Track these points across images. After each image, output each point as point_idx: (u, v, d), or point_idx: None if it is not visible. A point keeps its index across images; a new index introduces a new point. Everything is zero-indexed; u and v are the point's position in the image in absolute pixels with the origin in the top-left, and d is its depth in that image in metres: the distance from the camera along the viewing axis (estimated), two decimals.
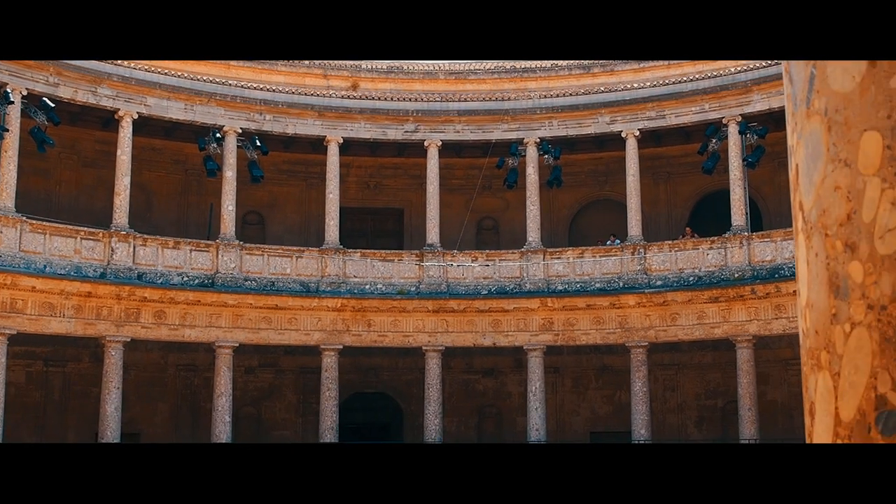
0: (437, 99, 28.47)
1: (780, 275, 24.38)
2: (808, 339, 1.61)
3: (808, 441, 1.61)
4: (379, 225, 30.51)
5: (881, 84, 1.43)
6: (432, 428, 25.80)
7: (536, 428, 25.79)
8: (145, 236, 25.15)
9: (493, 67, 29.96)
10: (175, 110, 26.05)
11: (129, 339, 24.30)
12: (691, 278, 25.81)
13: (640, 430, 25.29)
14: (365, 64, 29.39)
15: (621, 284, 26.24)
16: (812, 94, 1.60)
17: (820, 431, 1.56)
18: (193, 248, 25.74)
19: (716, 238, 25.85)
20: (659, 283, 26.02)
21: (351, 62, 28.64)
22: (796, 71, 1.65)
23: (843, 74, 1.50)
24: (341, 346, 26.06)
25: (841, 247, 1.49)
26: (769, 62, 23.12)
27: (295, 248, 26.87)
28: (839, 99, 1.51)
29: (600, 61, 28.42)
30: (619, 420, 27.17)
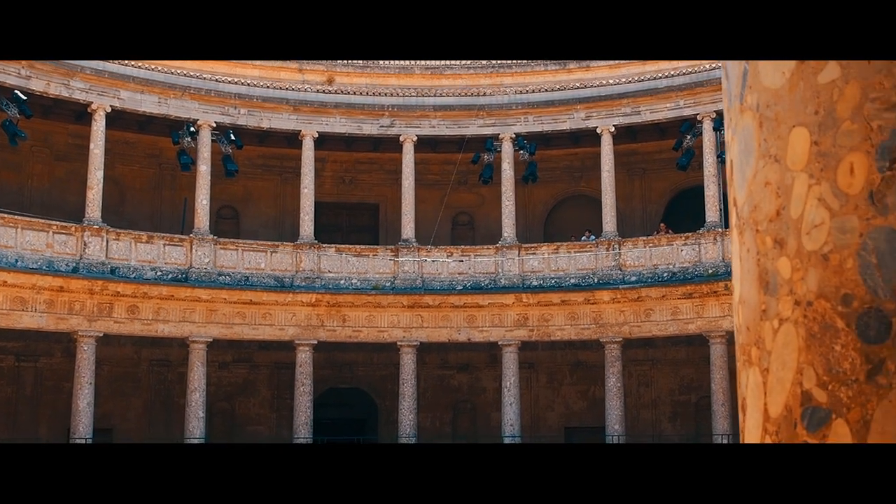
0: (413, 94, 28.43)
1: None
2: (740, 336, 1.61)
3: (741, 437, 1.62)
4: (354, 220, 30.44)
5: (809, 80, 1.43)
6: (407, 423, 25.79)
7: (511, 423, 25.83)
8: (118, 230, 24.98)
9: (468, 63, 29.93)
10: (149, 104, 25.90)
11: (101, 334, 24.14)
12: (665, 274, 25.92)
13: (614, 426, 25.38)
14: None
15: (596, 280, 26.31)
16: (745, 90, 1.60)
17: (750, 427, 1.56)
18: (167, 242, 25.59)
19: (690, 234, 25.97)
20: (633, 278, 26.12)
21: None
22: (731, 67, 1.65)
23: (774, 70, 1.50)
24: (316, 342, 25.99)
25: (770, 243, 1.49)
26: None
27: (269, 243, 26.77)
28: (770, 95, 1.51)
29: None
30: (594, 415, 27.26)
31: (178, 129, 25.98)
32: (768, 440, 1.49)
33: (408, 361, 26.27)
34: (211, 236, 25.79)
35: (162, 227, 27.08)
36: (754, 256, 1.54)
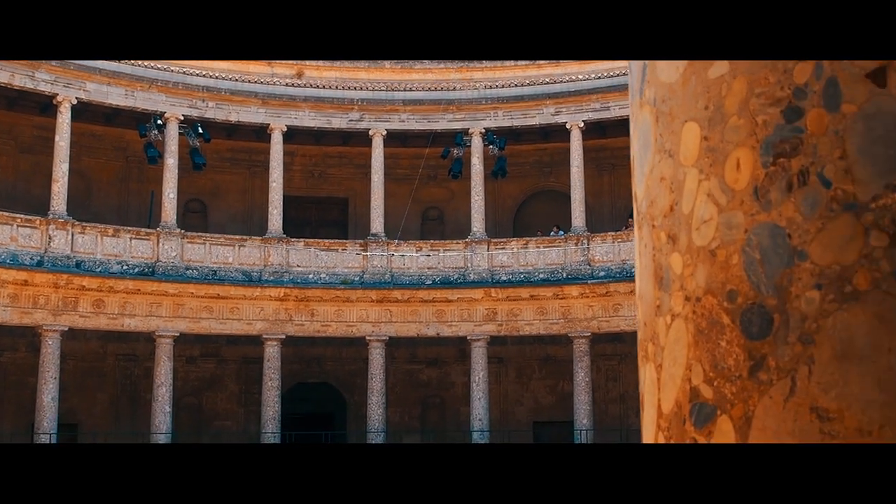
0: (383, 88, 28.36)
1: None
2: (640, 331, 1.61)
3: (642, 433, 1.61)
4: (323, 214, 30.33)
5: (700, 75, 1.42)
6: (375, 418, 25.74)
7: (480, 418, 25.86)
8: (84, 224, 24.75)
9: None
10: (115, 96, 25.67)
11: (66, 329, 23.92)
12: (633, 269, 25.94)
13: (583, 420, 25.48)
14: None
15: (565, 275, 26.37)
16: (644, 85, 1.59)
17: (647, 423, 1.56)
18: (133, 236, 25.40)
19: None
20: (602, 273, 26.20)
21: None
22: (634, 63, 1.64)
23: (669, 65, 1.49)
24: (284, 336, 25.89)
25: (665, 238, 1.48)
26: None
27: (237, 237, 26.63)
28: (665, 90, 1.51)
29: None
30: (562, 410, 27.33)
31: (145, 121, 25.78)
32: (661, 436, 1.48)
33: (376, 356, 26.23)
34: (178, 230, 25.61)
35: (129, 220, 26.85)
36: (650, 252, 1.54)
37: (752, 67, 1.34)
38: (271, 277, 26.04)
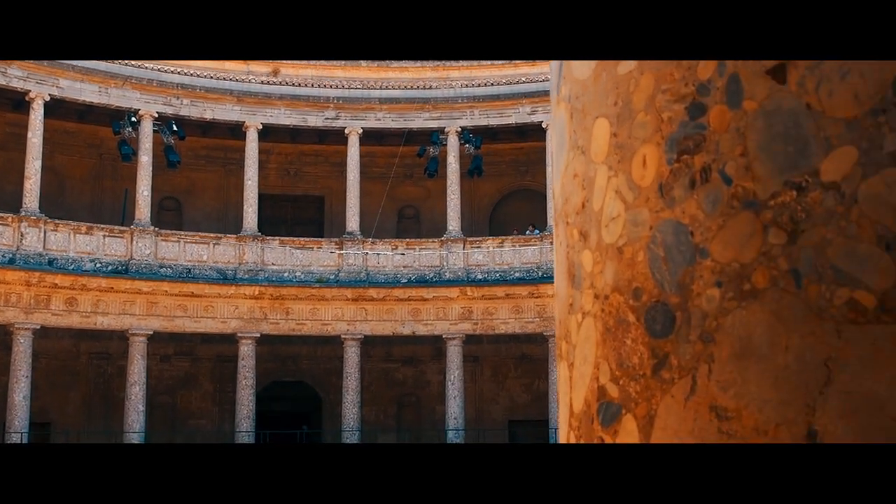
0: (359, 86, 28.29)
1: None
2: (556, 329, 1.59)
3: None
4: (299, 212, 30.23)
5: (611, 71, 1.41)
6: (351, 417, 25.69)
7: (455, 417, 25.86)
8: (57, 221, 24.57)
9: None
10: (89, 93, 25.49)
11: (38, 327, 23.75)
12: None
13: (558, 419, 25.47)
14: None
15: (540, 274, 26.39)
16: (560, 81, 1.58)
17: (561, 422, 1.55)
18: (107, 233, 25.23)
19: None
20: None
21: None
22: (554, 60, 1.63)
23: (583, 62, 1.48)
24: (259, 335, 25.79)
25: (577, 235, 1.47)
26: None
27: (212, 235, 26.50)
28: (579, 86, 1.49)
29: None
30: (538, 409, 27.36)
31: (119, 118, 25.62)
32: (572, 436, 1.47)
33: (352, 355, 26.17)
34: (152, 228, 25.47)
35: (102, 218, 26.67)
36: (564, 249, 1.52)
37: (658, 63, 1.33)
38: (246, 276, 25.93)
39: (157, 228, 25.65)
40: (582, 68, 1.48)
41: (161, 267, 25.36)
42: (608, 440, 1.36)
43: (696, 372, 1.24)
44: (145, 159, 25.51)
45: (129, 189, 26.26)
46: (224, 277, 25.85)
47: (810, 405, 1.16)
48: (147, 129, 25.66)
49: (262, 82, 27.79)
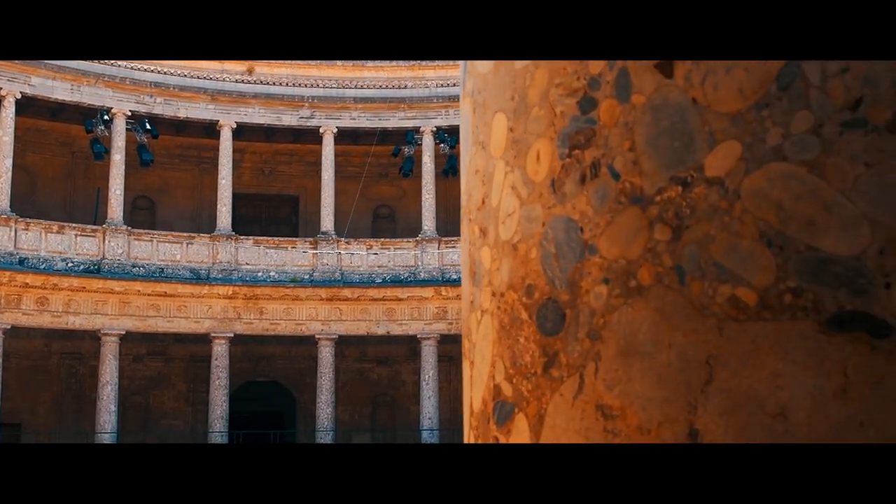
0: (334, 85, 28.21)
1: None
2: (462, 327, 1.57)
3: None
4: (273, 212, 30.11)
5: (508, 65, 1.39)
6: (325, 417, 25.61)
7: (429, 416, 25.82)
8: (28, 220, 24.36)
9: None
10: (61, 91, 25.29)
11: (9, 326, 23.53)
12: None
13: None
14: None
15: None
16: (466, 76, 1.56)
17: (465, 421, 1.53)
18: (79, 233, 25.03)
19: None
20: None
21: None
22: None
23: None
24: (232, 334, 25.67)
25: (478, 232, 1.45)
26: None
27: (185, 234, 26.35)
28: (481, 80, 1.47)
29: None
30: None
31: (91, 117, 25.44)
32: (472, 435, 1.45)
33: (326, 355, 26.10)
34: (125, 227, 25.29)
35: (75, 217, 26.48)
36: (467, 247, 1.50)
37: None
38: (220, 275, 25.80)
39: (129, 228, 25.48)
40: (484, 63, 1.46)
41: (134, 266, 25.19)
42: (502, 440, 1.34)
43: (583, 370, 1.23)
44: (118, 158, 25.34)
45: (102, 188, 26.08)
46: (197, 277, 25.71)
47: (692, 404, 1.14)
48: (120, 127, 25.48)
49: (237, 81, 27.66)
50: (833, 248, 1.11)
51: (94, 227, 25.30)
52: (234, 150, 26.88)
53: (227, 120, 26.72)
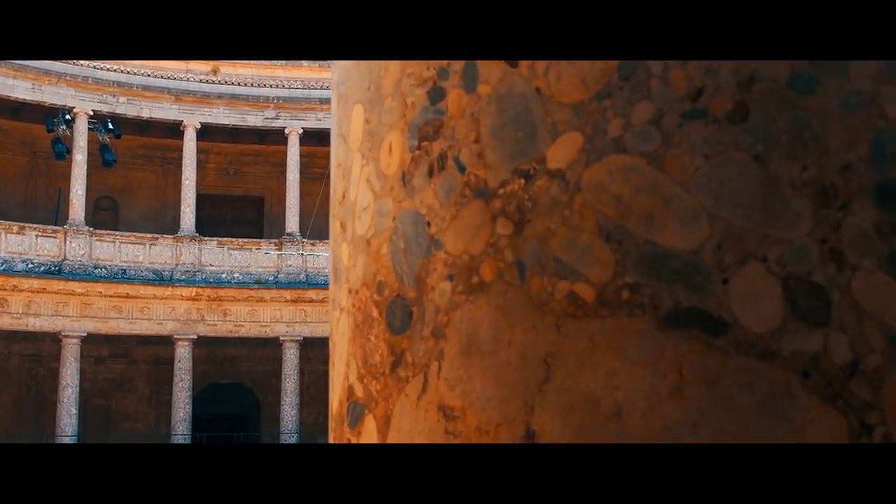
0: (299, 86, 28.07)
1: None
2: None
3: None
4: (238, 213, 29.91)
5: None
6: (289, 419, 25.48)
7: None
8: None
9: None
10: (21, 90, 24.99)
11: None
12: None
13: None
14: None
15: None
16: (333, 67, 1.52)
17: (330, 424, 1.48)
18: (39, 233, 24.74)
19: None
20: None
21: None
22: None
23: None
24: (195, 336, 25.46)
25: (339, 228, 1.41)
26: None
27: (148, 235, 26.11)
28: (343, 71, 1.43)
29: None
30: None
31: (52, 116, 25.15)
32: (332, 437, 1.41)
33: (291, 357, 25.95)
34: (86, 228, 25.02)
35: (36, 217, 26.16)
36: (331, 244, 1.46)
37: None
38: (183, 277, 25.59)
39: (91, 228, 25.20)
40: None
41: (95, 268, 24.93)
42: (354, 442, 1.30)
43: (427, 370, 1.18)
44: (80, 158, 25.07)
45: (63, 188, 25.79)
46: (160, 278, 25.49)
47: (529, 403, 1.10)
48: (82, 127, 25.22)
49: (201, 81, 27.46)
50: (671, 243, 1.07)
51: (56, 227, 25.02)
52: (199, 151, 26.67)
53: (192, 120, 26.51)
